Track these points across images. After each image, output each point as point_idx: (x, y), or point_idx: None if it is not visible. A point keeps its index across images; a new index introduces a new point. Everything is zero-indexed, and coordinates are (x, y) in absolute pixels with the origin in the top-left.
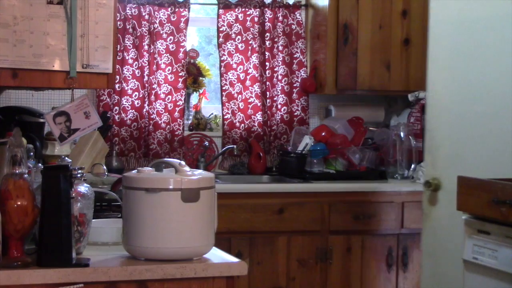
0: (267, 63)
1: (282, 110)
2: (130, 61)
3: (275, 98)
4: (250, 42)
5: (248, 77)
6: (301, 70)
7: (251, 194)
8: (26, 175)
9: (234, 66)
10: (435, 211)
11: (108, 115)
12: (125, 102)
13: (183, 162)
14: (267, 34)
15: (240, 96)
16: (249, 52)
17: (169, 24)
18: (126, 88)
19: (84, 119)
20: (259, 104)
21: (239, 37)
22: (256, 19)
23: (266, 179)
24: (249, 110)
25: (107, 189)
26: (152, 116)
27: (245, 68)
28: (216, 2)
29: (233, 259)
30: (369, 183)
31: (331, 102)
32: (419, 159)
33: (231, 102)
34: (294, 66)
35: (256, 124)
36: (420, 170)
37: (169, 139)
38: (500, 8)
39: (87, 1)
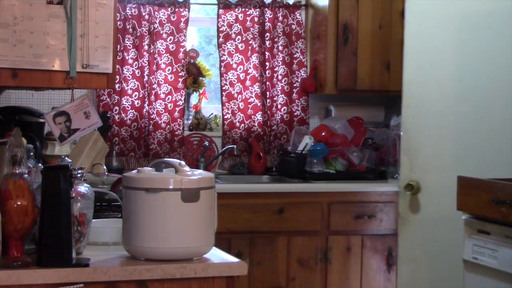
0: (267, 63)
1: (282, 110)
2: (130, 61)
3: (275, 98)
4: (250, 42)
5: (248, 77)
6: (301, 70)
7: (251, 194)
8: (26, 175)
9: (234, 66)
10: (413, 215)
11: (108, 115)
12: (125, 102)
13: (183, 162)
14: (267, 34)
15: (240, 96)
16: (249, 52)
17: (169, 24)
18: (126, 88)
19: (84, 119)
20: (259, 104)
21: (239, 37)
22: (256, 19)
23: (266, 179)
24: (249, 110)
25: (107, 189)
26: (152, 116)
27: (245, 68)
28: (216, 2)
29: (233, 259)
30: (369, 183)
31: (331, 102)
32: None
33: (231, 102)
34: (294, 66)
35: (256, 124)
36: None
37: (169, 139)
38: (479, 4)
39: (87, 1)
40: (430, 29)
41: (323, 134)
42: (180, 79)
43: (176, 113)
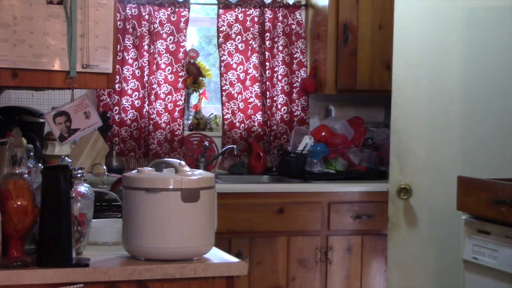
0: (267, 63)
1: (282, 110)
2: (130, 61)
3: (275, 98)
4: (250, 42)
5: (248, 77)
6: (301, 70)
7: (251, 194)
8: (26, 175)
9: (234, 66)
10: (404, 219)
11: (108, 115)
12: (125, 102)
13: (183, 162)
14: (267, 34)
15: (240, 96)
16: (249, 52)
17: (169, 24)
18: (126, 88)
19: (84, 119)
20: (259, 104)
21: (239, 37)
22: (256, 19)
23: (266, 179)
24: (249, 110)
25: (107, 189)
26: (152, 116)
27: (245, 68)
28: (216, 2)
29: (233, 259)
30: (369, 183)
31: (331, 102)
32: None
33: (231, 102)
34: (294, 66)
35: (256, 124)
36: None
37: (169, 139)
38: (470, 2)
39: (87, 1)
40: (421, 27)
41: (323, 134)
42: (180, 79)
43: (176, 113)
